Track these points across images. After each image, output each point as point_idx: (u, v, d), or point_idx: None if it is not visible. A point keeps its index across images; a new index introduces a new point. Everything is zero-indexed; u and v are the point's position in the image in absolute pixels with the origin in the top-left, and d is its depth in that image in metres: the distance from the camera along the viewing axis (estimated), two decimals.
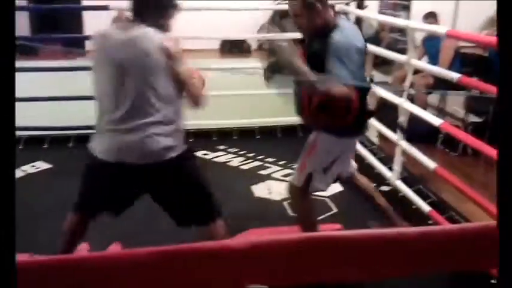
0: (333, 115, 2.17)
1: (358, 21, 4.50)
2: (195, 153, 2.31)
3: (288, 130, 4.52)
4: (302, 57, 2.14)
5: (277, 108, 4.82)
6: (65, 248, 2.22)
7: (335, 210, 3.14)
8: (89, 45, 6.06)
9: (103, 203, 2.20)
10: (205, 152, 4.11)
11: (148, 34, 2.00)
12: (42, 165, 3.79)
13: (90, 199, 2.21)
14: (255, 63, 7.66)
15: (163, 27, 2.07)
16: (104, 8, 3.77)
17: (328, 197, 3.31)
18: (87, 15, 8.71)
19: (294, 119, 4.38)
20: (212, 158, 4.03)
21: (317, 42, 2.19)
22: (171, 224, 2.24)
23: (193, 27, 8.05)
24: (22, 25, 9.18)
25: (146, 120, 1.99)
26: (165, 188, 2.14)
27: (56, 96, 4.21)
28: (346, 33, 2.17)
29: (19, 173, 3.64)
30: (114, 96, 2.01)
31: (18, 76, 4.31)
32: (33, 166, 3.76)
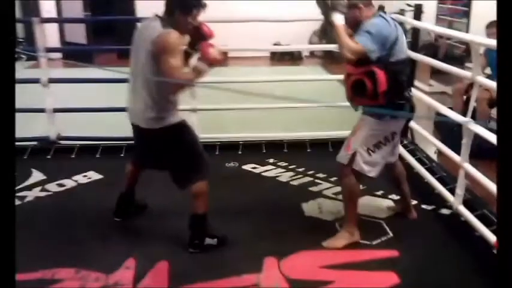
0: (364, 93, 2.55)
1: (415, 30, 4.29)
2: (188, 125, 2.75)
3: (339, 144, 4.33)
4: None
5: (329, 121, 4.68)
6: (124, 190, 3.05)
7: (390, 234, 2.95)
8: None
9: (138, 156, 2.97)
10: (254, 165, 4.02)
11: (152, 27, 2.52)
12: (93, 176, 3.82)
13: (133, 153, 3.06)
14: (307, 74, 7.59)
15: (177, 24, 2.52)
16: None
17: (383, 219, 3.13)
18: None
19: (346, 133, 4.26)
20: (261, 172, 3.93)
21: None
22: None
23: (244, 35, 8.10)
24: (77, 32, 9.50)
25: (145, 94, 2.55)
26: (158, 151, 2.71)
27: (109, 107, 4.25)
28: (377, 22, 2.58)
29: (70, 183, 3.70)
30: (132, 72, 2.62)
31: (73, 85, 4.29)
32: (85, 176, 3.80)
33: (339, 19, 2.56)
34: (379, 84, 2.52)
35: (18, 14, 9.16)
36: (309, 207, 3.30)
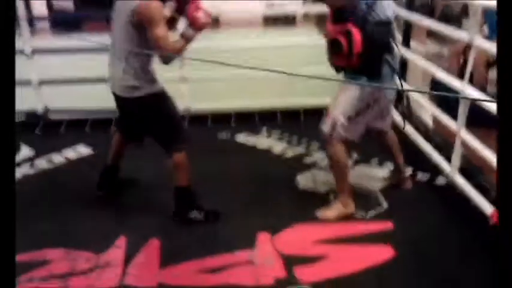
0: (339, 52, 2.46)
1: None
2: (166, 94, 2.71)
3: None
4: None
5: (325, 88, 4.55)
6: (109, 161, 3.01)
7: (385, 205, 2.91)
8: None
9: (121, 125, 2.97)
10: (247, 136, 3.95)
11: None
12: (83, 150, 3.75)
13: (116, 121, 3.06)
14: (302, 37, 7.38)
15: None
16: None
17: (377, 190, 3.08)
18: None
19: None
20: (255, 143, 3.85)
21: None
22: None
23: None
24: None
25: (123, 63, 2.55)
26: (136, 120, 2.73)
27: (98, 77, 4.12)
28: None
29: (59, 158, 3.63)
30: (112, 41, 2.61)
31: (58, 56, 4.11)
32: (75, 151, 3.73)
33: None
34: (354, 44, 2.42)
35: None
36: (303, 180, 3.24)
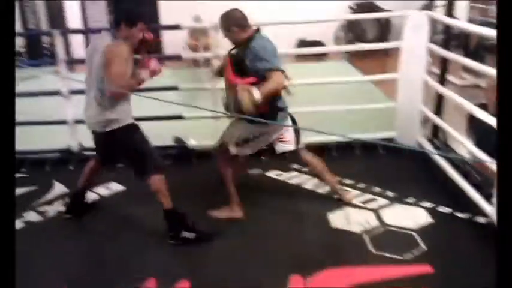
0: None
1: (447, 27, 4.04)
2: (137, 127, 2.96)
3: (367, 147, 4.18)
4: (230, 62, 3.00)
5: (356, 123, 4.49)
6: (80, 186, 3.27)
7: (423, 247, 2.78)
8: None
9: (98, 156, 3.20)
10: (278, 172, 3.90)
11: (103, 39, 2.82)
12: (115, 187, 3.77)
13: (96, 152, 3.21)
14: (334, 70, 7.37)
15: (124, 36, 2.81)
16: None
17: (415, 230, 2.96)
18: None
19: (376, 135, 4.07)
20: (285, 179, 3.80)
21: (240, 49, 2.98)
22: (235, 261, 2.46)
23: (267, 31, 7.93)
24: None
25: (96, 100, 2.83)
26: (115, 150, 2.98)
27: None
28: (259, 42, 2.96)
29: (92, 195, 3.65)
30: (86, 81, 2.90)
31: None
32: (107, 188, 3.75)
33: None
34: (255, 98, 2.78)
35: (44, 25, 9.28)
36: (336, 218, 3.15)
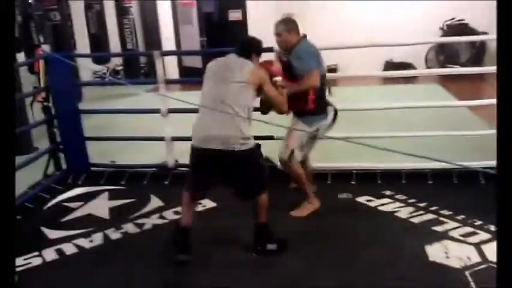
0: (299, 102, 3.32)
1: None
2: (260, 146, 3.00)
3: (466, 175, 3.96)
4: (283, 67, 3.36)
5: (454, 149, 4.27)
6: (185, 223, 3.07)
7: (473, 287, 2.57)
8: None
9: (201, 181, 3.04)
10: (369, 197, 3.80)
11: (242, 62, 2.98)
12: (208, 204, 3.87)
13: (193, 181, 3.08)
14: (425, 94, 7.11)
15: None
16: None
17: (465, 267, 2.78)
18: None
19: (475, 163, 3.84)
20: (377, 205, 3.69)
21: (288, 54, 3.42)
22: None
23: (354, 53, 7.87)
24: (194, 57, 9.95)
25: (234, 120, 2.83)
26: (234, 170, 2.92)
27: None
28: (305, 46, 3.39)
29: None
30: (213, 99, 2.93)
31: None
32: (200, 204, 3.86)
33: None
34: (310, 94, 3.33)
35: (142, 47, 9.86)
36: (434, 251, 2.99)
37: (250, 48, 3.09)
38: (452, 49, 9.11)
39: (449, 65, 8.84)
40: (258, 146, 2.99)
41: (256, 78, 2.93)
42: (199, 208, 3.78)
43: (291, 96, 3.22)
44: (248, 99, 2.90)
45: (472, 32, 8.68)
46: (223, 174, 2.96)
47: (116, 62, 10.04)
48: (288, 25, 3.39)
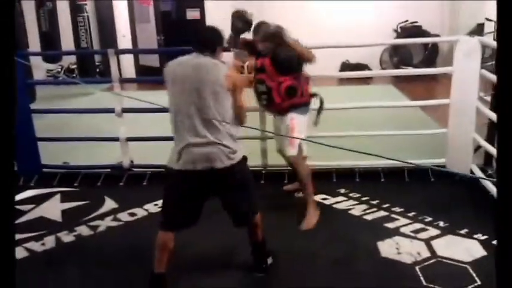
0: (297, 95, 3.30)
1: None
2: (246, 160, 2.65)
3: (417, 173, 4.09)
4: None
5: (406, 148, 4.41)
6: (163, 270, 2.59)
7: (478, 282, 2.68)
8: None
9: (188, 212, 2.58)
10: (325, 196, 3.86)
11: (210, 63, 2.56)
12: None
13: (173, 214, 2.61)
14: (379, 94, 7.29)
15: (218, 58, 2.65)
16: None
17: (468, 263, 2.86)
18: None
19: (426, 161, 3.97)
20: (332, 203, 3.76)
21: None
22: None
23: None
24: (151, 56, 9.82)
25: (216, 131, 2.49)
26: (227, 190, 2.58)
27: None
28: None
29: (141, 212, 3.73)
30: (184, 109, 2.51)
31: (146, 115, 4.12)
32: (156, 205, 3.82)
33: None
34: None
35: (97, 45, 9.62)
36: (386, 247, 3.08)
37: (214, 41, 2.64)
38: (405, 51, 9.38)
39: (402, 66, 9.10)
40: (245, 158, 2.62)
41: (230, 83, 2.53)
42: (155, 209, 3.74)
43: (290, 88, 3.25)
44: (229, 107, 2.52)
45: (425, 34, 8.98)
46: (209, 196, 2.58)
47: (70, 61, 9.77)
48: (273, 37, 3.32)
